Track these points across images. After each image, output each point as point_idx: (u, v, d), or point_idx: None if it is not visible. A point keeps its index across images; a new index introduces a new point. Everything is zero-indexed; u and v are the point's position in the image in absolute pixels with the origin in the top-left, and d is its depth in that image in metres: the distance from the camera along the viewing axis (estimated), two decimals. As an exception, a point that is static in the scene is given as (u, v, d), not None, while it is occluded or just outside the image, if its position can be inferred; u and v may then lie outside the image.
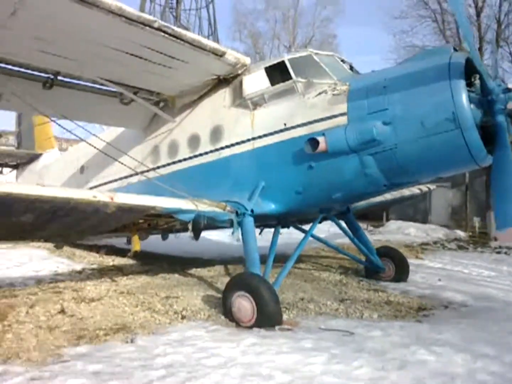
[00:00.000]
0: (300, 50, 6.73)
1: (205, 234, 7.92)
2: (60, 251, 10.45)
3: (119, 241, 10.67)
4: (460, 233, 18.70)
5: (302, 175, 6.38)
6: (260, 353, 4.47)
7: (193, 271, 8.86)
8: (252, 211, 6.38)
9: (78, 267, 8.97)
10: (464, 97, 5.34)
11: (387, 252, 8.87)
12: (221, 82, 7.18)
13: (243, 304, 5.50)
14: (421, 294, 7.61)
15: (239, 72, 6.91)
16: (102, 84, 6.88)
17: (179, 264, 9.59)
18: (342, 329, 5.33)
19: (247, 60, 6.87)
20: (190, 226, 6.07)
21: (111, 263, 9.51)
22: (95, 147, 7.45)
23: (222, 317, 5.83)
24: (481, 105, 5.53)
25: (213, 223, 6.26)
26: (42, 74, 6.37)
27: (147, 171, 8.01)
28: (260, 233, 8.98)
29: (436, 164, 5.88)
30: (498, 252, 14.46)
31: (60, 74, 6.40)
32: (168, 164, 7.75)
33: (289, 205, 6.68)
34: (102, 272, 8.58)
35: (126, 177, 8.49)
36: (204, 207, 5.97)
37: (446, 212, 23.16)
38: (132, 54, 5.99)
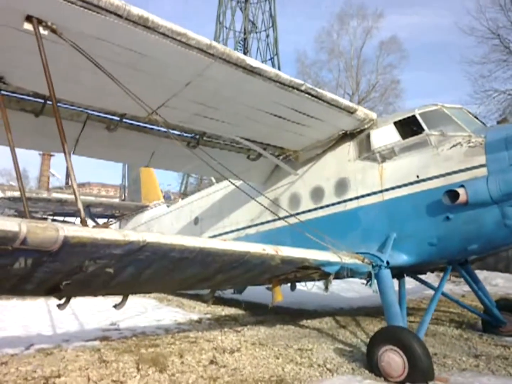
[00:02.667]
0: (429, 104, 6.91)
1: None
2: (168, 301, 10.83)
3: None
4: (555, 284, 17.66)
5: (437, 226, 6.41)
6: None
7: (304, 322, 8.90)
8: (387, 263, 6.44)
9: (194, 316, 9.22)
10: None
11: (507, 305, 8.54)
12: (345, 136, 7.46)
13: (393, 359, 5.46)
14: (556, 351, 7.24)
15: (366, 126, 7.18)
16: (237, 143, 7.36)
17: (286, 314, 9.67)
18: (502, 387, 5.17)
19: (374, 115, 7.14)
20: (331, 278, 6.20)
21: (222, 313, 9.72)
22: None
23: (366, 371, 5.81)
24: None
25: (352, 275, 6.35)
26: (188, 135, 6.93)
27: (266, 222, 8.30)
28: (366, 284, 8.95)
29: None
30: None
31: (206, 134, 6.93)
32: (290, 216, 7.98)
33: (422, 256, 6.69)
34: (219, 322, 8.78)
35: (244, 228, 8.81)
36: (347, 259, 6.10)
37: (533, 262, 21.97)
38: (275, 115, 6.40)
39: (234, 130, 6.84)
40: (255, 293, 10.25)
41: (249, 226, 8.67)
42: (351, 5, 33.23)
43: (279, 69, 35.45)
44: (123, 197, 14.65)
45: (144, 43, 4.49)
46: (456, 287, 16.86)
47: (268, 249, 5.00)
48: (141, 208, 12.68)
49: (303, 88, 5.92)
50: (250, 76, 5.38)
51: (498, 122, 20.38)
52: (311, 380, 5.42)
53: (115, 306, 5.32)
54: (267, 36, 48.68)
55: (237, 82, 5.47)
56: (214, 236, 9.37)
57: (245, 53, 34.17)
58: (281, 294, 6.28)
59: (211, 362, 5.90)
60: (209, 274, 5.09)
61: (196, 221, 10.16)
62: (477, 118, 7.13)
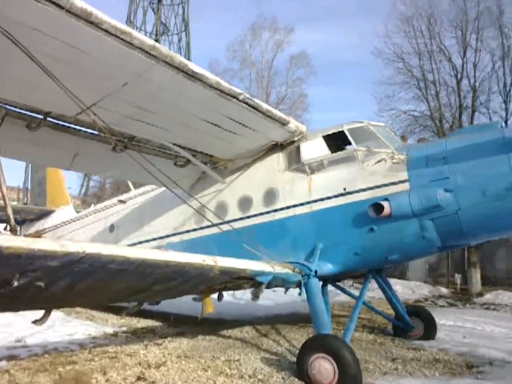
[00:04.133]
0: (356, 121, 7.23)
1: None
2: (76, 313, 10.13)
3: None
4: (444, 290, 19.40)
5: (362, 237, 6.70)
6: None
7: (226, 332, 8.82)
8: (316, 272, 6.59)
9: (108, 329, 8.70)
10: None
11: (415, 311, 9.18)
12: (275, 146, 7.54)
13: (324, 366, 5.56)
14: (459, 351, 7.86)
15: (296, 138, 7.32)
16: (166, 148, 7.09)
17: (205, 325, 9.48)
18: (424, 389, 5.50)
19: (304, 128, 7.31)
20: (263, 287, 6.20)
21: (139, 325, 9.29)
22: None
23: (296, 379, 5.85)
24: None
25: (283, 284, 6.40)
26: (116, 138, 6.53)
27: (191, 230, 8.12)
28: (285, 292, 9.11)
29: (492, 229, 6.37)
30: (487, 308, 15.11)
31: (135, 138, 6.58)
32: (218, 224, 7.86)
33: (347, 265, 6.95)
34: (137, 335, 8.38)
35: (167, 236, 8.51)
36: (279, 268, 6.14)
37: (423, 269, 23.94)
38: (210, 122, 6.29)
39: (165, 135, 6.59)
40: (172, 303, 9.96)
41: (173, 234, 8.41)
42: (265, 18, 33.86)
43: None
44: (25, 200, 13.43)
45: (84, 38, 4.17)
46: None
47: (208, 260, 4.87)
48: (47, 213, 11.74)
49: (241, 97, 5.89)
50: (190, 82, 5.23)
51: (419, 141, 22.15)
52: (245, 392, 5.35)
53: (34, 322, 4.80)
54: (179, 40, 48.16)
55: (176, 86, 5.29)
56: (133, 244, 8.95)
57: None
58: (212, 305, 6.15)
59: (139, 378, 5.58)
60: (145, 285, 4.82)
61: (111, 228, 9.63)
62: (397, 136, 7.60)
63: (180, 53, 47.88)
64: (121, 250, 3.89)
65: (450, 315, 12.70)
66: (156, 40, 46.53)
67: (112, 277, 4.13)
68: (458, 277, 20.01)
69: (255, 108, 6.18)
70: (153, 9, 47.60)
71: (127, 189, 10.81)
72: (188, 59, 39.64)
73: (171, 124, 6.20)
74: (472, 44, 20.04)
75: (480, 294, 18.16)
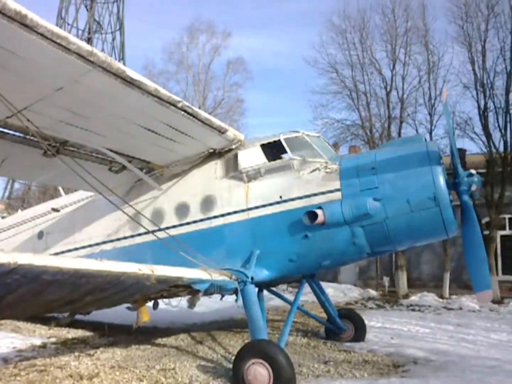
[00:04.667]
0: (292, 131, 7.43)
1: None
2: None
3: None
4: (373, 292, 20.27)
5: (297, 244, 6.89)
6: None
7: (160, 340, 8.72)
8: (252, 278, 6.70)
9: (36, 341, 8.32)
10: (442, 181, 6.37)
11: (347, 314, 9.55)
12: (213, 154, 7.59)
13: (259, 372, 5.65)
14: (387, 352, 8.26)
15: (234, 146, 7.41)
16: (100, 153, 6.92)
17: (138, 334, 9.30)
18: (355, 390, 5.75)
19: (242, 137, 7.42)
20: (200, 295, 6.21)
21: (69, 336, 8.95)
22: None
23: (232, 386, 5.92)
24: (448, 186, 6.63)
25: (220, 291, 6.45)
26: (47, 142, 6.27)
27: (126, 237, 7.97)
28: (221, 299, 9.17)
29: (416, 236, 6.80)
30: (413, 310, 15.97)
31: (68, 143, 6.36)
32: (152, 231, 7.76)
33: (282, 271, 7.12)
34: (67, 346, 8.09)
35: (98, 244, 8.28)
36: (216, 276, 6.18)
37: (354, 272, 24.90)
38: (148, 129, 6.23)
39: (100, 141, 6.44)
40: (104, 313, 9.68)
41: (105, 242, 8.19)
42: (202, 21, 33.69)
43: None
44: None
45: (17, 41, 4.02)
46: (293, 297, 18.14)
47: (144, 269, 4.82)
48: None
49: (180, 105, 5.90)
50: (128, 88, 5.17)
51: (350, 148, 22.94)
52: (182, 401, 5.34)
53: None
54: (113, 39, 46.90)
55: (114, 93, 5.21)
56: (63, 252, 8.62)
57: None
58: (148, 314, 6.07)
59: (71, 392, 5.42)
60: (78, 296, 4.70)
61: (40, 235, 9.21)
62: (330, 146, 7.91)
63: (114, 52, 46.71)
64: (55, 260, 3.78)
65: (379, 317, 13.30)
66: (89, 39, 45.18)
67: (44, 287, 4.00)
68: (386, 280, 20.97)
69: (194, 116, 6.21)
70: (86, 6, 46.09)
71: (55, 193, 10.40)
72: (122, 58, 38.94)
73: (107, 129, 6.08)
74: (401, 58, 21.15)
75: (407, 296, 19.16)
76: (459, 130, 18.80)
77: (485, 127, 18.53)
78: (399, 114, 20.60)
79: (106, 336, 8.94)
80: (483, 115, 18.55)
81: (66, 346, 8.05)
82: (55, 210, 8.40)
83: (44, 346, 7.99)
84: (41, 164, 6.34)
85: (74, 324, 9.67)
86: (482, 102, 18.65)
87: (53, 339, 8.58)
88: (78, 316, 9.65)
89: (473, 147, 26.96)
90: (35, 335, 8.97)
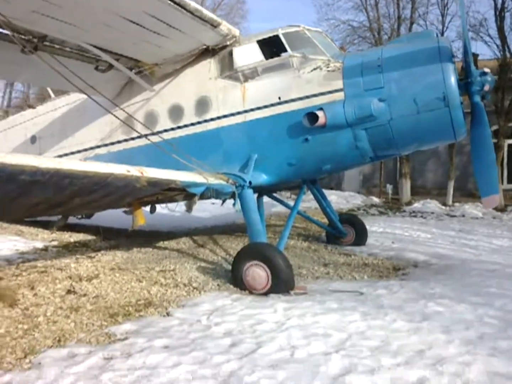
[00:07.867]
0: (292, 25, 6.81)
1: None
2: (2, 228, 9.69)
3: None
4: (376, 200, 20.35)
5: (296, 147, 6.62)
6: (300, 315, 4.69)
7: (162, 244, 8.80)
8: (250, 183, 6.52)
9: (38, 244, 8.37)
10: (453, 79, 5.90)
11: (348, 219, 9.53)
12: (206, 52, 7.07)
13: (258, 273, 5.66)
14: (387, 256, 8.31)
15: (228, 43, 6.87)
16: (85, 51, 6.42)
17: (140, 237, 9.41)
18: (351, 290, 5.78)
19: (237, 32, 6.84)
20: (196, 199, 6.09)
21: (71, 240, 9.03)
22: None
23: (231, 286, 5.95)
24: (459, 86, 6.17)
25: (217, 196, 6.31)
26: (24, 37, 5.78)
27: (120, 141, 7.73)
28: (222, 204, 9.11)
29: (422, 139, 6.45)
30: (415, 216, 16.10)
31: (47, 38, 5.86)
32: (145, 136, 7.49)
33: (281, 176, 6.92)
34: (69, 249, 8.15)
35: (92, 148, 8.06)
36: (212, 180, 6.00)
37: (358, 180, 24.92)
38: (132, 21, 5.69)
39: (82, 35, 5.92)
40: (106, 217, 9.73)
41: (99, 146, 7.96)
42: None
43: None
44: None
45: None
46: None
47: (133, 171, 4.62)
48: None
49: (164, -8, 5.32)
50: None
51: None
52: (179, 299, 5.38)
53: None
54: None
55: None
56: (58, 156, 8.43)
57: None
58: (144, 217, 5.98)
59: (69, 291, 5.46)
60: (64, 198, 4.54)
61: (33, 139, 8.96)
62: (334, 43, 7.32)
63: None
64: (31, 159, 3.55)
65: (381, 222, 13.40)
66: None
67: (23, 190, 3.81)
68: (389, 187, 20.99)
69: (182, 6, 5.64)
70: None
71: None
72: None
73: (88, 22, 5.55)
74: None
75: (410, 203, 19.25)
76: (473, 33, 17.71)
77: (501, 28, 17.42)
78: (410, 14, 19.30)
79: (107, 240, 8.99)
80: (499, 15, 17.34)
81: (68, 249, 8.12)
82: (30, 106, 8.06)
83: (45, 249, 8.06)
84: (20, 61, 5.91)
85: (75, 228, 9.82)
86: (499, 1, 17.32)
87: (54, 243, 8.65)
88: (80, 221, 9.83)
89: (486, 51, 25.62)
90: (37, 238, 9.04)
